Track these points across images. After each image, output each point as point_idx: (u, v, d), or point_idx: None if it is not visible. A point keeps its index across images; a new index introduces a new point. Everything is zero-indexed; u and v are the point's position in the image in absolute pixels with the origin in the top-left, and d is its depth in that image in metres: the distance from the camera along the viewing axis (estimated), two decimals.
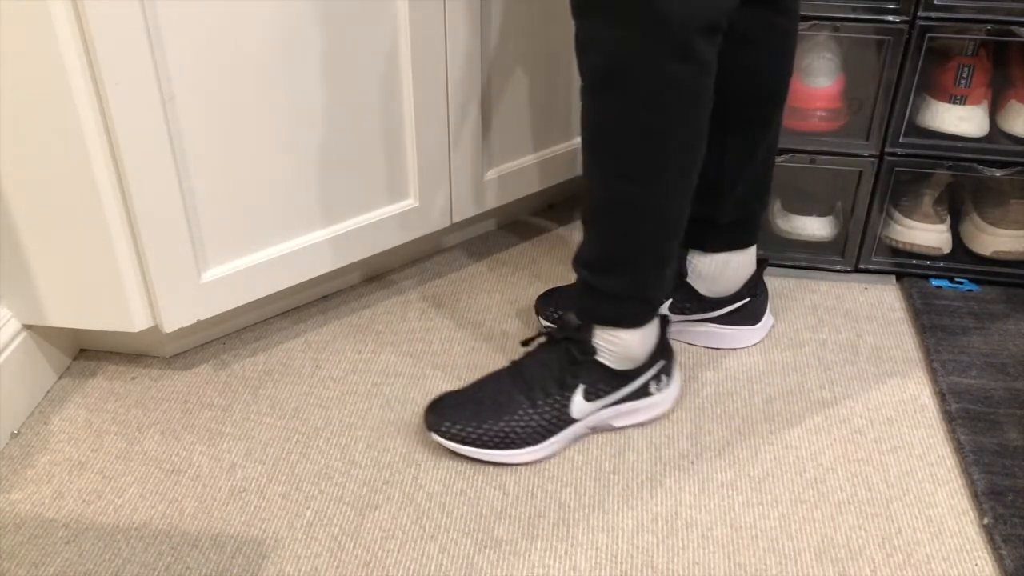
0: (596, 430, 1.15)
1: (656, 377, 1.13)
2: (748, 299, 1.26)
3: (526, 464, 1.11)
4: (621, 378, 1.11)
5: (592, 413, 1.12)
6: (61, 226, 1.08)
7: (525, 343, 1.16)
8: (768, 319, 1.31)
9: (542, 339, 1.15)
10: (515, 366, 1.13)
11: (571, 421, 1.11)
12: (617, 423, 1.15)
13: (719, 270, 1.23)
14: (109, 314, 1.15)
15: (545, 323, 1.30)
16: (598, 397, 1.11)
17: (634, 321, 1.08)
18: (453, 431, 1.09)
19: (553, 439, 1.11)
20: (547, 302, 1.31)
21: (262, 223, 1.18)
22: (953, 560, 1.00)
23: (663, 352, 1.14)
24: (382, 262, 1.44)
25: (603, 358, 1.10)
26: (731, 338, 1.28)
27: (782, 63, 1.12)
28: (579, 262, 1.08)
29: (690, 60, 0.91)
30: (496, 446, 1.09)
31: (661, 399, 1.15)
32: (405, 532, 1.03)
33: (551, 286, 1.38)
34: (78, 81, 0.99)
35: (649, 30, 0.88)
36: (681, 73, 0.91)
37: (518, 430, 1.09)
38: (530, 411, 1.09)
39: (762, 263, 1.28)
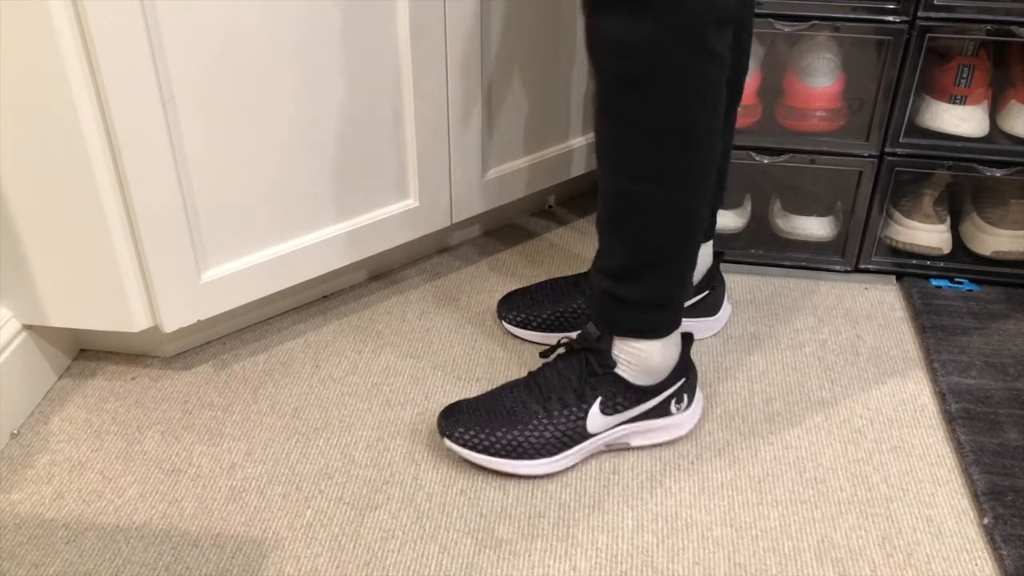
0: (611, 448, 1.12)
1: (677, 396, 1.10)
2: (707, 292, 1.27)
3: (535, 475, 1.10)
4: (640, 393, 1.08)
5: (609, 428, 1.09)
6: (61, 226, 1.08)
7: (544, 354, 1.13)
8: (726, 308, 1.32)
9: (561, 350, 1.13)
10: (531, 376, 1.11)
11: (586, 435, 1.08)
12: (634, 442, 1.12)
13: None
14: (109, 314, 1.15)
15: (508, 327, 1.30)
16: (615, 411, 1.08)
17: (660, 331, 1.05)
18: (465, 437, 1.08)
19: (567, 452, 1.08)
20: (509, 306, 1.30)
21: (261, 223, 1.19)
22: (953, 560, 1.00)
23: (685, 370, 1.10)
24: (382, 262, 1.44)
25: (623, 371, 1.07)
26: (692, 330, 1.29)
27: (741, 72, 1.14)
28: (600, 272, 1.04)
29: (708, 54, 0.90)
30: (508, 455, 1.07)
31: (681, 420, 1.12)
32: (405, 532, 1.03)
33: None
34: (78, 81, 0.99)
35: (669, 25, 0.87)
36: (701, 67, 0.90)
37: (531, 440, 1.07)
38: (544, 421, 1.07)
39: (718, 255, 1.29)
